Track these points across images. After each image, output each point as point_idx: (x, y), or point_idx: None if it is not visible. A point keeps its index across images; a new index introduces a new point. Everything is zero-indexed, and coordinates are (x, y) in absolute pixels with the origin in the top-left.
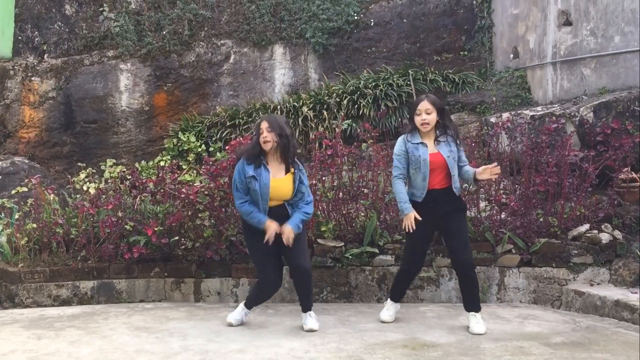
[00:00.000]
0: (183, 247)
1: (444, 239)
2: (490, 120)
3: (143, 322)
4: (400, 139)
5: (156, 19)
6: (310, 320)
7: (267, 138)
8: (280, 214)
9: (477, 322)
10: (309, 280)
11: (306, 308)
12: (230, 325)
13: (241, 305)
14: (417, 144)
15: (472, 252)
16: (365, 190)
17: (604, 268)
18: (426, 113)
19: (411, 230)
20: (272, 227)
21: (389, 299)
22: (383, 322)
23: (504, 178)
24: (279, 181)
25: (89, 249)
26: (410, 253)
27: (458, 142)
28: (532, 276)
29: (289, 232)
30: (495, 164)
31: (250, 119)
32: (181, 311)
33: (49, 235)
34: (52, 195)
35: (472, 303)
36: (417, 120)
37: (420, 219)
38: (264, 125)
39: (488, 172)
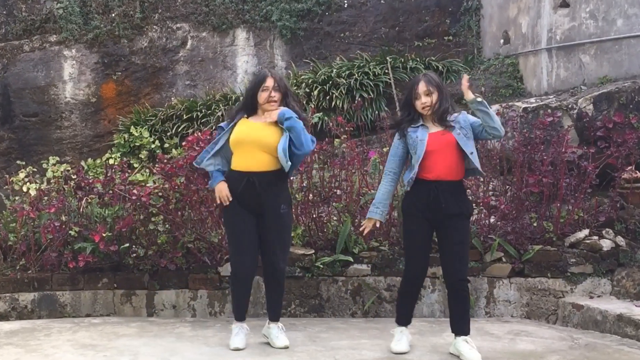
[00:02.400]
0: (134, 255)
1: (440, 247)
2: None
3: (89, 339)
4: (396, 135)
5: (104, 0)
6: (282, 336)
7: (275, 98)
8: (265, 181)
9: (470, 347)
10: (283, 283)
11: (276, 317)
12: (237, 349)
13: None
14: (417, 126)
15: None
16: (338, 192)
17: (605, 278)
18: (426, 95)
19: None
20: (222, 190)
21: (396, 326)
22: (397, 353)
23: (493, 178)
24: (262, 126)
25: (29, 257)
26: (409, 266)
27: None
28: (525, 288)
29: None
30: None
31: (209, 112)
32: (132, 327)
33: None
34: None
35: (463, 325)
36: (418, 105)
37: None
38: (270, 82)
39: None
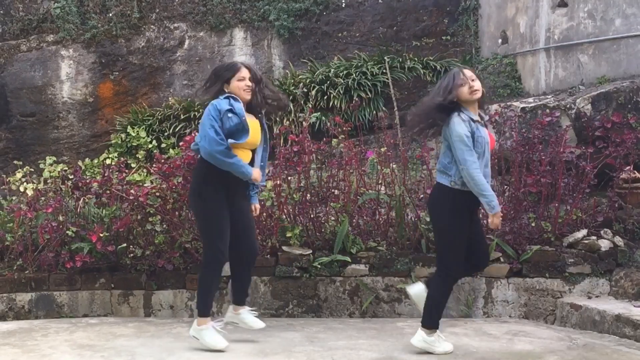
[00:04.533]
0: (132, 255)
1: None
2: None
3: (87, 340)
4: (457, 118)
5: (101, 0)
6: (254, 317)
7: (249, 88)
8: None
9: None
10: (254, 265)
11: (244, 300)
12: (222, 351)
13: (196, 322)
14: (476, 121)
15: None
16: (336, 192)
17: (603, 279)
18: (472, 80)
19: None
20: (259, 177)
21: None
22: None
23: (491, 178)
24: (252, 121)
25: (26, 257)
26: (455, 257)
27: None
28: (523, 288)
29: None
30: None
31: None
32: (129, 327)
33: None
34: None
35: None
36: (464, 91)
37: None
38: (245, 73)
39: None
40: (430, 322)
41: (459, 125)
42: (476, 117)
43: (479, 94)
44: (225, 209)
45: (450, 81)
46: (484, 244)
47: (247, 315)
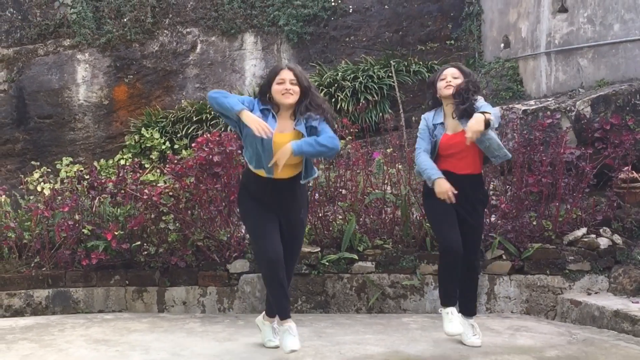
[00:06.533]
0: (145, 252)
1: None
2: None
3: (102, 335)
4: (422, 118)
5: (116, 5)
6: (291, 338)
7: (292, 91)
8: (289, 186)
9: (474, 333)
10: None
11: (287, 314)
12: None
13: (261, 319)
14: (437, 124)
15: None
16: (344, 191)
17: (602, 275)
18: (453, 77)
19: (453, 201)
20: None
21: (442, 307)
22: (452, 334)
23: (493, 178)
24: (285, 137)
25: (44, 254)
26: (442, 233)
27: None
28: (525, 284)
29: (284, 152)
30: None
31: (218, 114)
32: (143, 322)
33: (0, 240)
34: (4, 196)
35: (472, 307)
36: (441, 85)
37: (455, 192)
38: (288, 75)
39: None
40: (440, 297)
41: (421, 120)
42: (440, 120)
43: (448, 91)
44: (262, 210)
45: (434, 77)
46: (471, 247)
47: (285, 338)
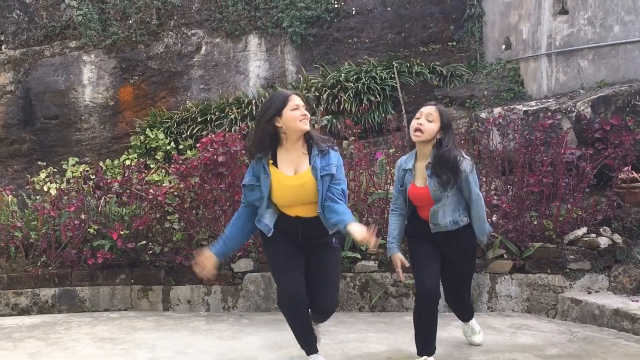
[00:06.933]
0: (151, 252)
1: (441, 278)
2: (481, 115)
3: (108, 333)
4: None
5: (122, 7)
6: None
7: (307, 117)
8: (318, 222)
9: (474, 332)
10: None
11: (314, 349)
12: None
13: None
14: (407, 170)
15: None
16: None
17: (602, 274)
18: (427, 119)
19: (400, 277)
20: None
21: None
22: None
23: (495, 178)
24: (297, 181)
25: (50, 254)
26: (417, 277)
27: (462, 170)
28: (526, 283)
29: (360, 229)
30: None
31: (222, 114)
32: (149, 321)
33: (7, 239)
34: (10, 196)
35: (467, 316)
36: (412, 125)
37: (407, 265)
38: (300, 100)
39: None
40: (416, 345)
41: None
42: (410, 166)
43: (417, 137)
44: (285, 247)
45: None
46: (459, 291)
47: None
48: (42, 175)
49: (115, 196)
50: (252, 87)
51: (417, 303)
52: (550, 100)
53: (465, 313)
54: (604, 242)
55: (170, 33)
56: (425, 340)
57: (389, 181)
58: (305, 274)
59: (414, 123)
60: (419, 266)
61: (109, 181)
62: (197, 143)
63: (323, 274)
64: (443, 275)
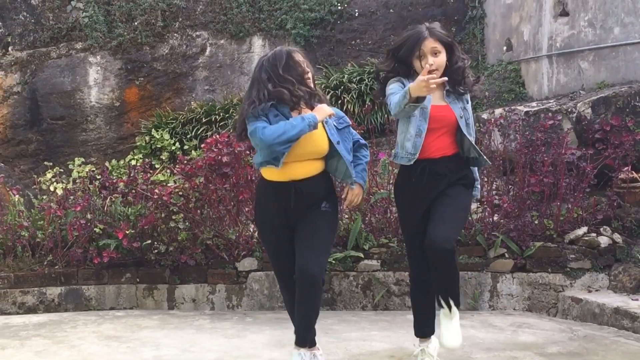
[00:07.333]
0: (156, 251)
1: (430, 217)
2: (482, 116)
3: (114, 331)
4: (394, 81)
5: (127, 9)
6: None
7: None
8: (313, 186)
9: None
10: (316, 292)
11: (303, 340)
12: None
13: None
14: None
15: (463, 256)
16: None
17: (602, 273)
18: (433, 54)
19: (436, 83)
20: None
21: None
22: None
23: (496, 178)
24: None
25: (56, 253)
26: (410, 259)
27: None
28: (527, 282)
29: (359, 192)
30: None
31: (227, 115)
32: (154, 319)
33: (14, 238)
34: (17, 196)
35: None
36: (418, 66)
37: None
38: (299, 57)
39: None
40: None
41: (395, 82)
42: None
43: (435, 78)
44: (274, 229)
45: (399, 45)
46: (440, 222)
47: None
48: (49, 175)
49: (120, 196)
50: None
51: (412, 293)
52: (551, 101)
53: (449, 274)
54: (604, 241)
55: (175, 35)
56: (420, 320)
57: (391, 181)
58: (295, 241)
59: (425, 69)
60: (411, 244)
61: (114, 181)
62: (202, 143)
63: (308, 234)
64: (431, 212)
